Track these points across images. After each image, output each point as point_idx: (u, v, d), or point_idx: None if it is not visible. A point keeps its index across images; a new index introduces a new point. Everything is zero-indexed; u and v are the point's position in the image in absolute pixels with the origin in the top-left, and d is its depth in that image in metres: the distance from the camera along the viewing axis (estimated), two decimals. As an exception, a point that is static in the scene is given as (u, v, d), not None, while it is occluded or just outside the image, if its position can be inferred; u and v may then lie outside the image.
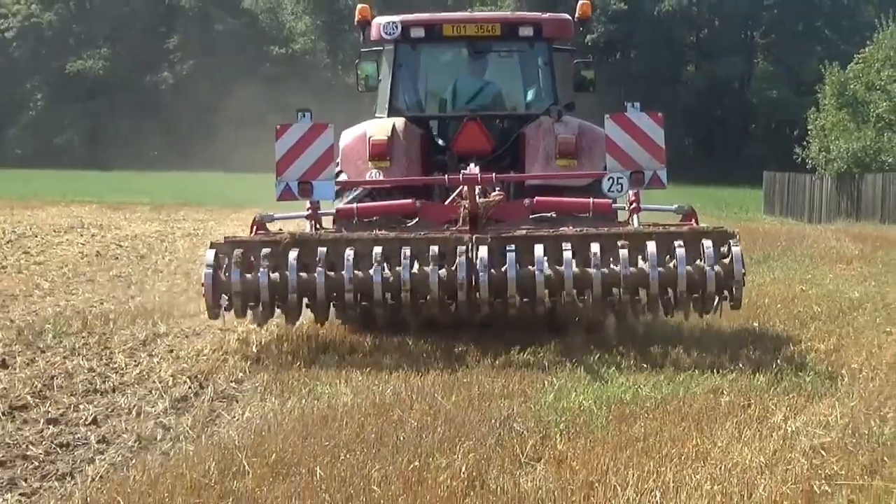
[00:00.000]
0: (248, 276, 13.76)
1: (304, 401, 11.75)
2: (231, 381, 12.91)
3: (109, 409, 11.66)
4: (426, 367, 12.84)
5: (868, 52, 63.69)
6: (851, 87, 62.86)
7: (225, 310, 14.00)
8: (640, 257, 13.57)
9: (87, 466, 9.54)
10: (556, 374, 12.54)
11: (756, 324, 16.38)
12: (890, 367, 13.38)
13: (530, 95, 17.70)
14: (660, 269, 13.46)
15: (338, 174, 16.22)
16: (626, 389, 11.91)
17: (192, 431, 10.82)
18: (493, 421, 10.72)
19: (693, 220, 14.86)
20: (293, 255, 13.72)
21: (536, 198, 15.36)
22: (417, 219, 15.11)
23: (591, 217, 14.89)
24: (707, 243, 13.53)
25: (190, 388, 12.62)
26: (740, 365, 13.04)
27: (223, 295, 13.86)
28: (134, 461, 9.71)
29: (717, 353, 13.55)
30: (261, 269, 13.72)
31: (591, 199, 15.01)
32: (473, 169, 15.15)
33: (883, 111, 60.96)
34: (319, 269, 13.62)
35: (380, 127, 16.44)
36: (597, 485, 8.74)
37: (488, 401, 11.51)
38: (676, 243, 13.52)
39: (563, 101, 17.23)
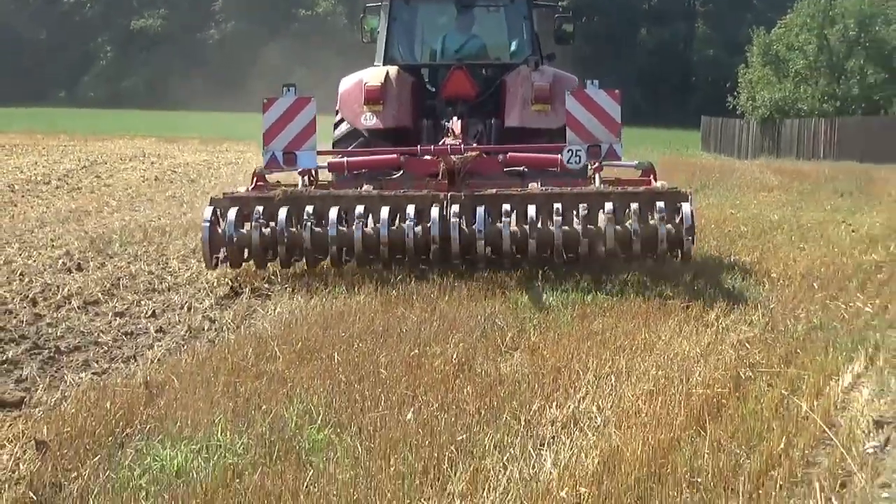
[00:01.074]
0: (243, 230, 12.65)
1: (324, 299, 11.73)
2: (265, 283, 12.84)
3: (165, 305, 11.66)
4: (424, 278, 12.69)
5: (789, 18, 63.68)
6: (775, 47, 62.86)
7: (221, 262, 12.88)
8: (599, 215, 12.42)
9: (148, 351, 9.56)
10: (530, 283, 12.48)
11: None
12: (802, 276, 13.37)
13: (512, 46, 16.84)
14: (616, 226, 12.28)
15: (338, 121, 15.72)
16: (587, 293, 11.89)
17: (233, 323, 10.82)
18: (479, 317, 10.69)
19: (652, 176, 13.92)
20: (283, 212, 12.59)
21: (510, 154, 14.08)
22: (402, 171, 14.03)
23: (559, 172, 13.70)
24: (660, 204, 12.41)
25: (231, 288, 12.59)
26: (682, 274, 13.02)
27: (221, 248, 12.76)
28: (185, 347, 9.72)
29: (664, 265, 13.49)
30: (254, 225, 12.59)
31: (559, 156, 13.63)
32: (456, 123, 14.30)
33: (800, 67, 61.07)
34: (307, 224, 12.50)
35: (375, 74, 15.60)
36: (563, 370, 8.72)
37: (475, 301, 11.49)
38: (632, 204, 12.44)
39: (544, 52, 16.53)
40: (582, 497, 5.98)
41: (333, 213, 12.56)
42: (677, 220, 12.46)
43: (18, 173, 29.74)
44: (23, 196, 23.92)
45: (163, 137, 52.77)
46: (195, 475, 6.30)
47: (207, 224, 12.67)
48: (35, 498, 5.93)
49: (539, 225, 12.42)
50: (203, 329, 10.57)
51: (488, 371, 8.73)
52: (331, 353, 9.16)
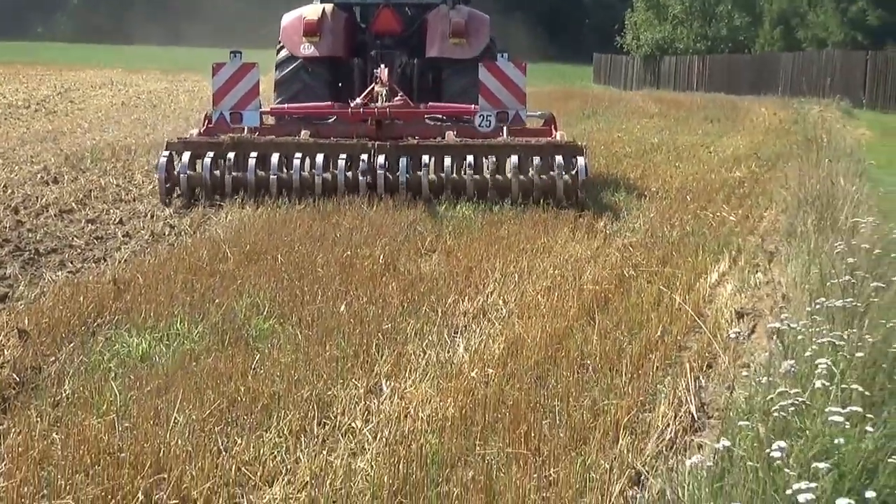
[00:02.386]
0: (194, 172, 12.37)
1: (269, 209, 11.61)
2: (216, 196, 12.60)
3: (131, 213, 11.55)
4: (354, 193, 12.51)
5: (669, -31, 63.53)
6: (656, -6, 62.75)
7: (176, 197, 12.37)
8: (506, 164, 12.26)
9: (116, 253, 9.47)
10: (445, 197, 12.40)
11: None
12: (678, 190, 13.50)
13: None
14: (521, 176, 12.13)
15: (279, 48, 15.26)
16: (493, 207, 11.82)
17: (190, 229, 10.75)
18: (402, 224, 10.69)
19: (553, 126, 13.84)
20: (231, 156, 12.39)
21: (430, 103, 14.19)
22: (335, 117, 13.74)
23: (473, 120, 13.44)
24: (558, 158, 12.22)
25: (189, 199, 12.38)
26: (575, 189, 13.02)
27: (175, 187, 12.39)
28: (149, 250, 9.64)
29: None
30: (205, 167, 12.35)
31: (473, 106, 13.48)
32: (383, 71, 13.80)
33: (677, 12, 61.09)
34: (251, 168, 12.27)
35: (313, 10, 15.19)
36: (474, 269, 8.77)
37: (399, 211, 11.43)
38: (534, 157, 12.28)
39: None
40: (490, 377, 6.02)
41: (275, 158, 12.34)
42: (573, 172, 12.19)
43: (1, 99, 29.16)
44: (5, 119, 23.47)
45: (128, 69, 51.74)
46: (157, 359, 6.28)
47: (163, 165, 12.33)
48: (18, 379, 5.86)
49: (454, 174, 12.27)
50: (164, 234, 10.47)
51: (410, 270, 8.76)
52: (275, 254, 9.12)
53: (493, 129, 13.20)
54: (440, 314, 7.37)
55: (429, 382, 5.91)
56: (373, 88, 13.55)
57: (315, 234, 10.10)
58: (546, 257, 9.34)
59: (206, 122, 13.60)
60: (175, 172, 12.37)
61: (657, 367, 6.27)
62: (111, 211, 11.59)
